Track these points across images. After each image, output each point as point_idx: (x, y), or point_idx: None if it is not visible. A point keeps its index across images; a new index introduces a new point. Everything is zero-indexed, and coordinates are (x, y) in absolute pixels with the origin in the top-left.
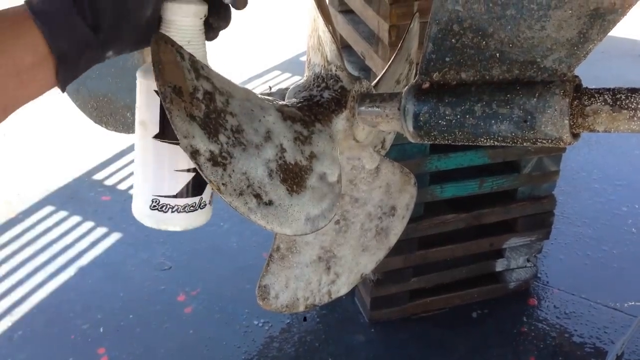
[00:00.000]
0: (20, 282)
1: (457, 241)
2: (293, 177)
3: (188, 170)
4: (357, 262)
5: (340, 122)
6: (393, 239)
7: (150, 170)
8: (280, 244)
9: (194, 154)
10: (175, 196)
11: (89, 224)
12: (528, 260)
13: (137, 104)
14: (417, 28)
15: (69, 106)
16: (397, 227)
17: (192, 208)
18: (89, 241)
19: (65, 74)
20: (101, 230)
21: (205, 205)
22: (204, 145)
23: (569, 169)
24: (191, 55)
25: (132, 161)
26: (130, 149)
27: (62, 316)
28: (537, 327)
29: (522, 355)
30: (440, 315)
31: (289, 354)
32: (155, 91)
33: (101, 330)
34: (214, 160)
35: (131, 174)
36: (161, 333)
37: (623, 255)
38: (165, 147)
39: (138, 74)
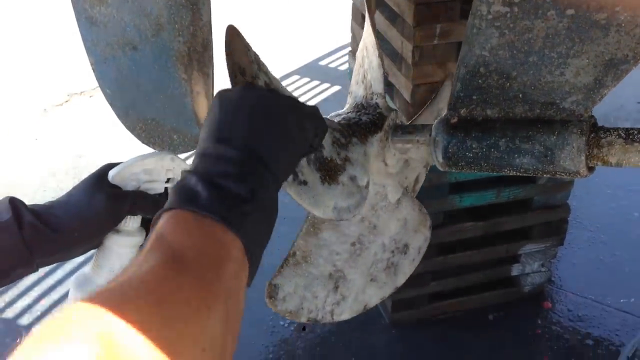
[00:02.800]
0: (60, 282)
1: (475, 248)
2: (327, 170)
3: None
4: (364, 290)
5: (374, 142)
6: (401, 279)
7: None
8: (297, 250)
9: None
10: None
11: None
12: (542, 265)
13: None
14: (448, 93)
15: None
16: (406, 267)
17: None
18: None
19: None
20: None
21: None
22: None
23: None
24: (256, 54)
25: None
26: None
27: None
28: (551, 329)
29: (536, 356)
30: (458, 318)
31: (314, 353)
32: None
33: None
34: None
35: None
36: None
37: (635, 259)
38: None
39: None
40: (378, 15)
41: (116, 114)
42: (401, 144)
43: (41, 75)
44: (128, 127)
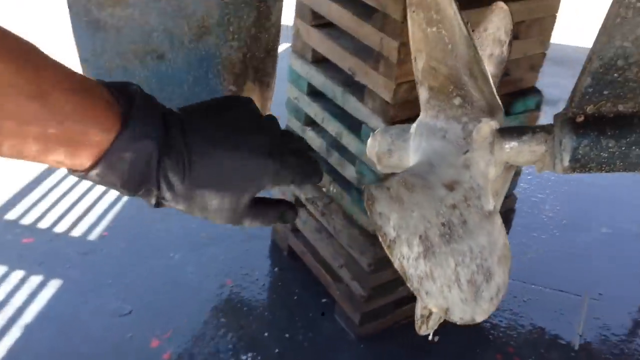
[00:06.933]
0: None
1: None
2: None
3: None
4: (450, 287)
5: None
6: (479, 314)
7: None
8: (390, 187)
9: None
10: None
11: (19, 274)
12: None
13: None
14: (499, 18)
15: None
16: (484, 302)
17: None
18: (26, 293)
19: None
20: (36, 279)
21: None
22: None
23: None
24: None
25: (48, 192)
26: (46, 175)
27: None
28: (507, 319)
29: (502, 347)
30: None
31: None
32: None
33: None
34: None
35: (50, 208)
36: None
37: (546, 241)
38: None
39: None
40: (341, 11)
41: None
42: (514, 149)
43: None
44: None
